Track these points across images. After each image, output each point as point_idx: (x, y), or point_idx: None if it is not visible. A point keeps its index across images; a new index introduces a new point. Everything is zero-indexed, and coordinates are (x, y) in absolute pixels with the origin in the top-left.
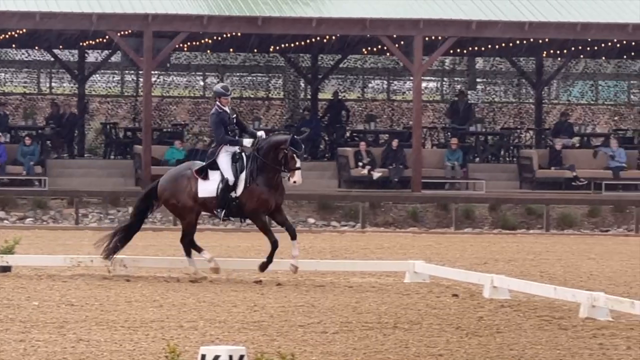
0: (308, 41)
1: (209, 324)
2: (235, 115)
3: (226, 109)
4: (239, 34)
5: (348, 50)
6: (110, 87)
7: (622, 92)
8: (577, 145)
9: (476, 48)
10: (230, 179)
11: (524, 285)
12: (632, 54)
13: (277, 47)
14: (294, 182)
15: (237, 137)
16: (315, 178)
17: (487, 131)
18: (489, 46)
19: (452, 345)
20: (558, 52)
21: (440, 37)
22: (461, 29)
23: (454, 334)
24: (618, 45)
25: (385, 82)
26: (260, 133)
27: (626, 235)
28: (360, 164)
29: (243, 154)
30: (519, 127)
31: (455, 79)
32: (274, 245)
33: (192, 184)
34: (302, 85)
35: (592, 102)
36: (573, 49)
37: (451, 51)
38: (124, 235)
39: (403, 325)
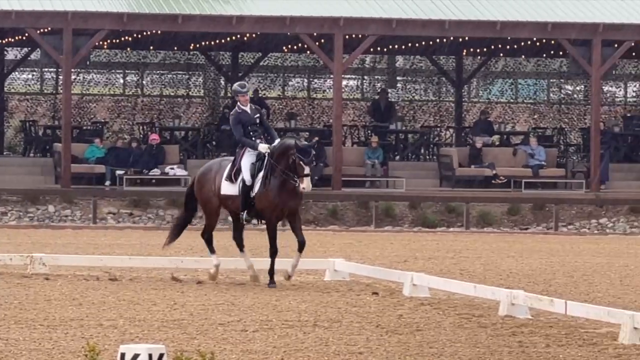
0: (228, 39)
1: (129, 323)
2: (258, 115)
3: (246, 108)
4: (159, 32)
5: (268, 48)
6: (29, 85)
7: (541, 90)
8: (497, 143)
9: (396, 46)
10: (247, 179)
11: (444, 283)
12: (552, 52)
13: (198, 45)
14: (303, 188)
15: (257, 139)
16: None
17: (408, 129)
18: (409, 44)
19: (372, 344)
20: (478, 50)
21: (360, 36)
22: (381, 27)
23: (374, 332)
24: (537, 43)
25: (306, 80)
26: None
27: (545, 234)
28: None
29: (267, 154)
30: (439, 125)
31: (376, 77)
32: (272, 255)
33: (217, 180)
34: (223, 83)
35: (512, 101)
36: (493, 47)
37: (372, 49)
38: (178, 228)
39: (323, 324)
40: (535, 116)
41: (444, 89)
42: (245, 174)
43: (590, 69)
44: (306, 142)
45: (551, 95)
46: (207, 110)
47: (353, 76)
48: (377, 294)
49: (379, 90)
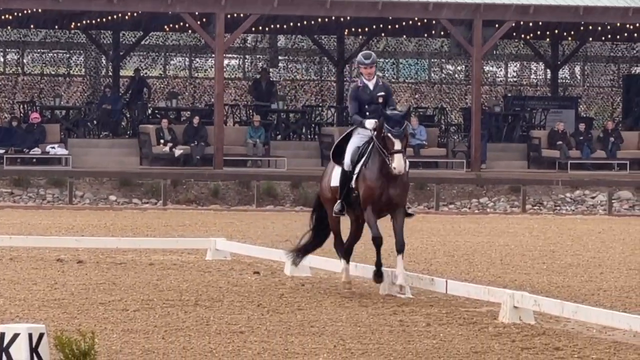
0: (109, 18)
1: (9, 302)
2: (383, 93)
3: (370, 83)
4: (40, 10)
5: (150, 27)
6: None
7: (422, 70)
8: None
9: (278, 26)
10: (347, 164)
11: (325, 262)
12: (433, 32)
13: (79, 24)
14: (394, 168)
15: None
16: (116, 155)
17: (289, 109)
18: (291, 24)
19: (253, 323)
20: (359, 30)
21: (242, 15)
22: (263, 7)
23: (255, 311)
24: (419, 23)
25: (188, 59)
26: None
27: (426, 213)
28: (162, 141)
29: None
30: (320, 104)
31: (258, 56)
32: (375, 241)
33: (329, 170)
34: (104, 62)
35: (393, 80)
36: (374, 27)
37: (253, 29)
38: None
39: (204, 303)
40: (417, 96)
41: (326, 68)
42: (346, 159)
43: (471, 49)
44: (398, 110)
45: (432, 75)
46: (88, 89)
47: (235, 55)
48: (258, 273)
49: (260, 70)
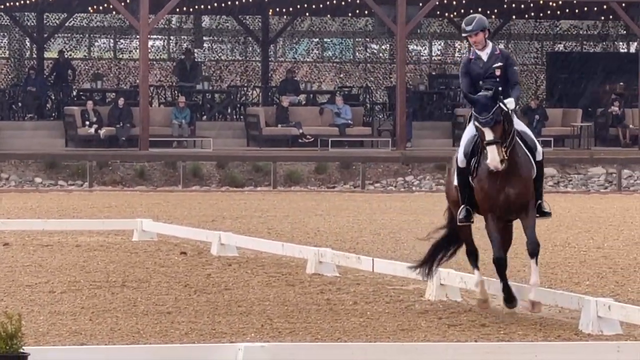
0: None
1: None
2: (500, 64)
3: (482, 53)
4: None
5: (74, 9)
6: None
7: (347, 49)
8: (304, 102)
9: (202, 6)
10: (459, 158)
11: (252, 242)
12: (357, 11)
13: (2, 6)
14: (487, 163)
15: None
16: (41, 137)
17: (214, 89)
18: (215, 4)
19: (181, 303)
20: (284, 10)
21: None
22: None
23: (183, 291)
24: (343, 2)
25: (112, 40)
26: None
27: (352, 192)
28: (87, 123)
29: None
30: (245, 85)
31: (182, 37)
32: (496, 263)
33: (453, 163)
34: (28, 44)
35: (318, 60)
36: (298, 7)
37: (177, 9)
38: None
39: (131, 284)
40: (341, 75)
41: (251, 48)
42: (459, 151)
43: (395, 27)
44: (485, 91)
45: (357, 54)
46: (12, 72)
47: (159, 36)
48: (185, 253)
49: (185, 51)
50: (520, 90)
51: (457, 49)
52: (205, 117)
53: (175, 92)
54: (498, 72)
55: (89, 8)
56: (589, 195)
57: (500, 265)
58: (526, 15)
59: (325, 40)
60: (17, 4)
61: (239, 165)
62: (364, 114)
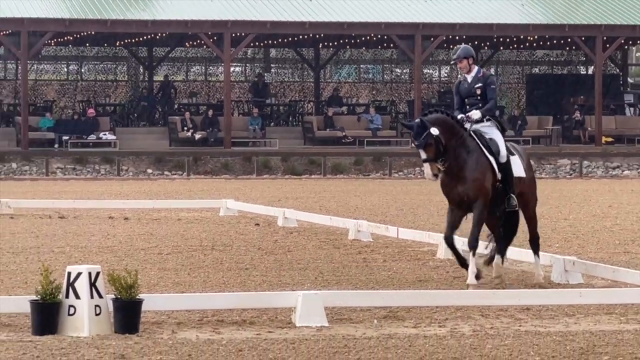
0: (145, 37)
1: (74, 249)
2: (480, 85)
3: (468, 76)
4: (93, 32)
5: (175, 44)
6: None
7: (377, 72)
8: (345, 112)
9: (270, 41)
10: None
11: (308, 216)
12: (385, 44)
13: (122, 42)
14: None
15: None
16: (152, 139)
17: (279, 103)
18: (280, 40)
19: (255, 261)
20: (330, 43)
21: (243, 34)
22: (259, 27)
23: (256, 252)
24: (374, 38)
25: (204, 67)
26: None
27: (382, 179)
28: (186, 128)
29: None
30: (302, 99)
31: (255, 64)
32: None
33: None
34: (141, 70)
35: (356, 81)
36: (341, 41)
37: (252, 44)
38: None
39: (219, 247)
40: (374, 92)
41: (306, 72)
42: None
43: (413, 56)
44: (419, 119)
45: (385, 76)
46: (129, 91)
47: (238, 64)
48: (258, 224)
49: (257, 74)
50: (494, 105)
51: (458, 72)
52: (272, 123)
53: (251, 105)
54: (479, 92)
55: (186, 43)
56: (558, 180)
57: (448, 243)
58: (510, 47)
59: (361, 66)
60: (133, 40)
61: (298, 159)
62: (391, 121)
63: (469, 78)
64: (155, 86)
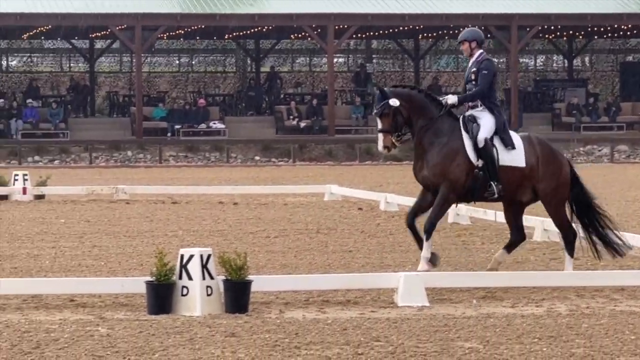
0: (252, 30)
1: (186, 233)
2: (474, 70)
3: (470, 60)
4: (203, 26)
5: (281, 36)
6: (112, 66)
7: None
8: None
9: (371, 33)
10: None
11: (408, 200)
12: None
13: (230, 35)
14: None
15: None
16: (259, 128)
17: None
18: (381, 31)
19: (358, 244)
20: (429, 35)
21: (346, 26)
22: (361, 20)
23: (360, 236)
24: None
25: (308, 58)
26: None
27: None
28: (291, 117)
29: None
30: None
31: (357, 55)
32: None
33: None
34: (249, 62)
35: (455, 70)
36: (440, 32)
37: (354, 36)
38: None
39: (323, 230)
40: None
41: (406, 63)
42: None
43: (509, 46)
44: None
45: None
46: (237, 82)
47: (341, 55)
48: (361, 209)
49: (359, 65)
50: (481, 91)
51: (554, 61)
52: (374, 112)
53: (353, 94)
54: (473, 76)
55: (291, 36)
56: None
57: (407, 224)
58: (605, 36)
59: (459, 56)
60: (241, 33)
61: (399, 146)
62: None
63: (470, 62)
64: (262, 77)
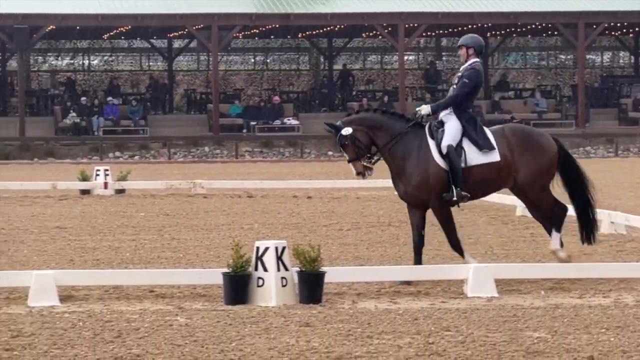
0: (325, 29)
1: (262, 226)
2: (459, 75)
3: (463, 66)
4: (277, 26)
5: (353, 35)
6: (190, 65)
7: (542, 59)
8: (512, 96)
9: (441, 31)
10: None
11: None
12: (549, 32)
13: (304, 34)
14: None
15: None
16: None
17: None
18: (450, 30)
19: (429, 237)
20: (497, 32)
21: (416, 25)
22: (430, 19)
23: (430, 228)
24: (539, 26)
25: (379, 56)
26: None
27: None
28: None
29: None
30: None
31: (427, 53)
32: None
33: None
34: (322, 60)
35: (522, 67)
36: (508, 30)
37: (424, 34)
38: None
39: (395, 224)
40: (539, 77)
41: None
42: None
43: (576, 43)
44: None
45: (549, 62)
46: (311, 79)
47: (412, 53)
48: None
49: (429, 62)
50: (453, 99)
51: (620, 57)
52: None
53: (423, 91)
54: (456, 81)
55: (363, 34)
56: None
57: (416, 249)
58: None
59: (527, 53)
60: (314, 32)
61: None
62: (555, 104)
63: (462, 68)
64: (334, 74)
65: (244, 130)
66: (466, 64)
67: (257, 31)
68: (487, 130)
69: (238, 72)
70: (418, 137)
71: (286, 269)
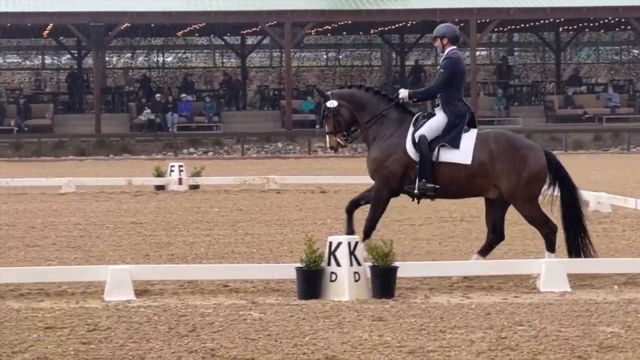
0: (397, 25)
1: (334, 221)
2: (439, 67)
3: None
4: (349, 22)
5: (424, 30)
6: (262, 61)
7: (615, 53)
8: (585, 91)
9: (513, 26)
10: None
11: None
12: (622, 27)
13: (376, 30)
14: None
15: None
16: None
17: (522, 84)
18: (522, 25)
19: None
20: (570, 27)
21: (488, 20)
22: (503, 14)
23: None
24: (612, 21)
25: None
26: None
27: (619, 153)
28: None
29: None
30: (544, 80)
31: (499, 48)
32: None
33: None
34: (394, 55)
35: (595, 62)
36: (580, 25)
37: (496, 29)
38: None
39: (467, 218)
40: (612, 71)
41: (547, 55)
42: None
43: None
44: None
45: (622, 56)
46: (383, 75)
47: (484, 48)
48: None
49: (501, 57)
50: (433, 89)
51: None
52: (516, 103)
53: (495, 86)
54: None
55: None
56: None
57: (346, 213)
58: None
59: (600, 47)
60: (386, 28)
61: (541, 136)
62: (628, 99)
63: (441, 58)
64: (406, 70)
65: (317, 126)
66: (444, 54)
67: (329, 27)
68: (472, 131)
69: (311, 69)
70: (398, 121)
71: (359, 264)
